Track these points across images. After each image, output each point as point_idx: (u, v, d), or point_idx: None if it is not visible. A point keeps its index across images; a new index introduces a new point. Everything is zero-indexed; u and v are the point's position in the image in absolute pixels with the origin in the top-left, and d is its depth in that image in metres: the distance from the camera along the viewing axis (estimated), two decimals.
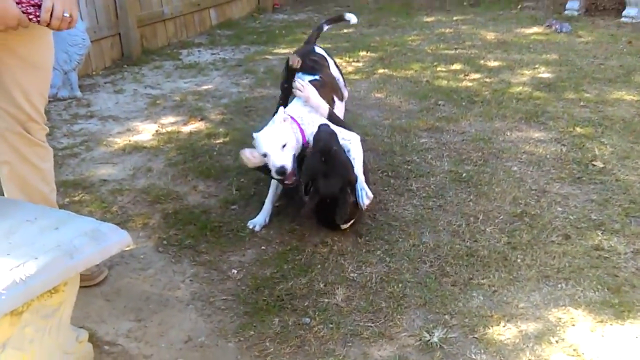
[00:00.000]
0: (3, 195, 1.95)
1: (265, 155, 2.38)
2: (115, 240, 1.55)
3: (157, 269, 2.25)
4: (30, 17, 1.62)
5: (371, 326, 1.92)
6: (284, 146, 2.36)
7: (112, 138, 3.48)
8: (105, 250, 1.52)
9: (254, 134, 2.45)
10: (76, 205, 2.67)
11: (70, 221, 1.55)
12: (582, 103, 3.79)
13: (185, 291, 2.12)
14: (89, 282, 2.11)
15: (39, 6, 1.62)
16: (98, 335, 1.91)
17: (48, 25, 1.63)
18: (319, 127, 2.42)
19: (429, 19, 6.74)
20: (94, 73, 4.77)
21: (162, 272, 2.23)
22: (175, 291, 2.12)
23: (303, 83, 2.56)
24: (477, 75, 4.47)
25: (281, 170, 2.32)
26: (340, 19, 3.48)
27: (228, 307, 2.03)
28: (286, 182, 2.39)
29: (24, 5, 1.61)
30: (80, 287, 1.85)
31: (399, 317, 1.96)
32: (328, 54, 3.12)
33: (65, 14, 1.62)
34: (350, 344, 1.86)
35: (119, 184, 2.90)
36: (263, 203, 2.68)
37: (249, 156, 2.45)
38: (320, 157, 2.30)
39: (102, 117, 3.84)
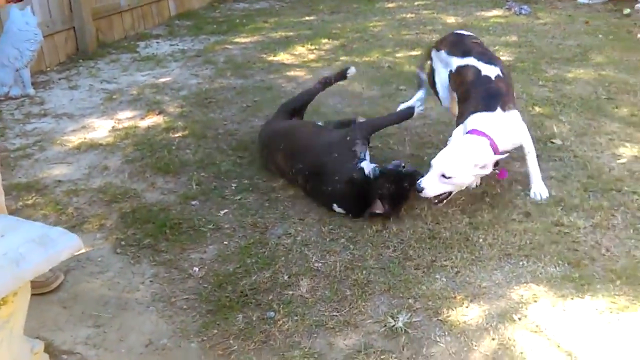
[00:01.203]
0: None
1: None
2: (65, 245, 1.49)
3: (116, 271, 2.19)
4: None
5: (336, 315, 1.91)
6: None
7: (66, 137, 3.37)
8: (55, 257, 1.47)
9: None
10: (29, 208, 2.58)
11: (17, 227, 1.50)
12: (540, 82, 3.84)
13: (145, 293, 2.07)
14: (44, 288, 2.04)
15: None
16: (55, 344, 1.85)
17: None
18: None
19: (390, 5, 6.72)
20: (47, 69, 4.61)
21: (120, 274, 2.17)
22: (135, 293, 2.07)
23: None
24: None
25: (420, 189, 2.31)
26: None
27: (190, 306, 1.99)
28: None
29: None
30: (35, 294, 1.80)
31: (363, 304, 1.96)
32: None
33: None
34: (315, 335, 1.85)
35: (74, 184, 2.82)
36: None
37: None
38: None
39: (56, 115, 3.72)
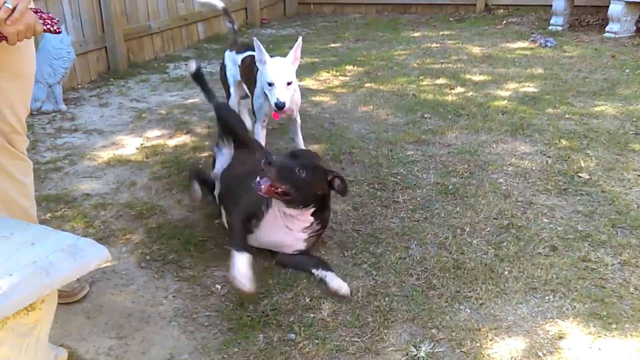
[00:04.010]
0: None
1: (270, 85, 2.66)
2: (94, 255, 1.51)
3: (140, 285, 2.21)
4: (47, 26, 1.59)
5: (357, 341, 1.89)
6: (289, 83, 2.68)
7: (96, 152, 3.44)
8: (83, 266, 1.48)
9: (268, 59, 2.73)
10: (58, 220, 2.63)
11: (47, 236, 1.52)
12: (567, 116, 3.82)
13: (167, 307, 2.07)
14: (70, 298, 2.06)
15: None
16: (78, 353, 1.86)
17: None
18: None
19: (415, 34, 6.80)
20: (79, 86, 4.74)
21: (144, 288, 2.19)
22: (158, 307, 2.08)
23: None
24: (462, 89, 4.50)
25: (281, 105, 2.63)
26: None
27: (211, 323, 1.99)
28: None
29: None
30: (61, 303, 1.82)
31: (385, 331, 1.93)
32: None
33: (6, 4, 1.46)
34: None
35: (102, 198, 2.86)
36: None
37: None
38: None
39: (87, 130, 3.80)
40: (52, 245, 1.46)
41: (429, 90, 4.48)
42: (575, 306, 2.03)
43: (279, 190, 2.13)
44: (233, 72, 3.27)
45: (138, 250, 2.42)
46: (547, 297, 2.08)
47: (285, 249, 2.30)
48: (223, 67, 3.37)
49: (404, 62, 5.42)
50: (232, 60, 3.27)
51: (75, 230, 2.51)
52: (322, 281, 2.16)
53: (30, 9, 1.54)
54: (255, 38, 2.81)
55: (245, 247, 2.11)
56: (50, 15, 1.61)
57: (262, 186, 2.11)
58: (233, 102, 3.35)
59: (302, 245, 2.29)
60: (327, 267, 2.22)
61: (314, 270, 2.20)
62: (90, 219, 2.66)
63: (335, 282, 2.12)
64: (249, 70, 3.03)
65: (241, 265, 2.03)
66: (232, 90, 3.33)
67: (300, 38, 2.82)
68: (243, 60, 3.14)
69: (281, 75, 2.64)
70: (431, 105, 4.11)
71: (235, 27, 3.58)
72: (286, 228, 2.26)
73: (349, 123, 3.82)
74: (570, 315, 1.99)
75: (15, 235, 1.47)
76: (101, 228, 2.58)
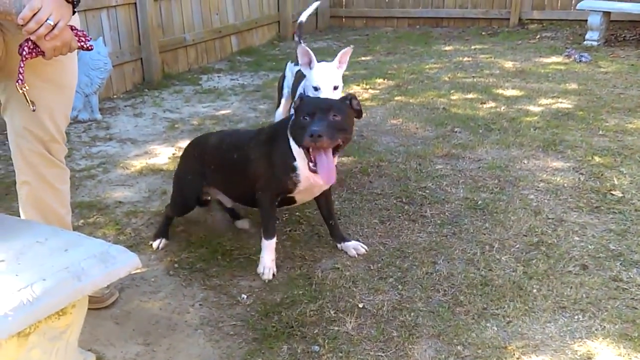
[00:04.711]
0: (18, 215, 1.97)
1: (316, 89, 2.59)
2: (124, 263, 1.54)
3: (167, 293, 2.24)
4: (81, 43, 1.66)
5: (382, 356, 1.88)
6: (335, 88, 2.59)
7: (129, 160, 3.52)
8: (114, 273, 1.52)
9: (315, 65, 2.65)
10: (90, 226, 2.69)
11: (80, 243, 1.56)
12: (601, 132, 3.75)
13: (194, 315, 2.10)
14: (100, 304, 2.11)
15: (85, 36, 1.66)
16: (106, 358, 1.89)
17: (24, 25, 1.50)
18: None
19: (447, 48, 6.77)
20: (114, 96, 4.86)
21: (172, 296, 2.22)
22: (185, 315, 2.11)
23: None
24: (494, 104, 4.46)
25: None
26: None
27: (237, 332, 2.01)
28: None
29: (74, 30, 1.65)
30: (91, 309, 1.86)
31: (410, 347, 1.92)
32: None
33: (49, 21, 1.51)
34: None
35: (134, 206, 2.92)
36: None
37: None
38: None
39: (121, 139, 3.89)
40: (84, 251, 1.50)
41: (460, 104, 4.46)
42: (605, 326, 1.98)
43: (337, 148, 2.16)
44: (290, 84, 3.29)
45: (167, 258, 2.46)
46: (576, 317, 2.04)
47: (318, 191, 2.40)
48: (283, 77, 3.38)
49: (434, 76, 5.40)
50: (291, 71, 3.28)
51: (107, 237, 2.58)
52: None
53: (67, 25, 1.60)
54: (300, 44, 2.83)
55: (274, 233, 2.37)
56: (84, 32, 1.67)
57: (324, 167, 2.08)
58: (280, 112, 3.38)
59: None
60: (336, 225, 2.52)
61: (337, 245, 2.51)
62: (122, 226, 2.72)
63: (352, 252, 2.47)
64: (298, 84, 3.05)
65: (268, 258, 2.34)
66: (283, 101, 3.35)
67: (351, 46, 2.71)
68: (297, 72, 3.14)
69: (328, 79, 2.57)
70: (462, 119, 4.09)
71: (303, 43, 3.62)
72: None
73: (377, 136, 3.83)
74: (599, 336, 1.94)
75: (50, 241, 1.52)
76: (132, 235, 2.64)
